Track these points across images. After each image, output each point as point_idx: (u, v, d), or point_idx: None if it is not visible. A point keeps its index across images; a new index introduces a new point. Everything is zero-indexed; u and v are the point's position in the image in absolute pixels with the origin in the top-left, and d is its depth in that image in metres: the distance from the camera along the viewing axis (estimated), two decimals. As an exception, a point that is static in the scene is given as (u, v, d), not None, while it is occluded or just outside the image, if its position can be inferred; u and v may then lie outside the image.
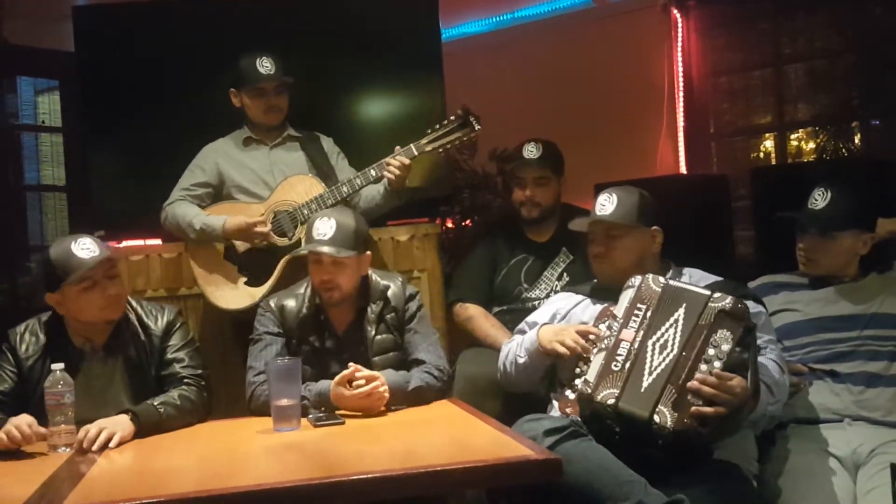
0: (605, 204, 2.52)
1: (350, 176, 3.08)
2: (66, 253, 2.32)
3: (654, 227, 2.54)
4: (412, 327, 2.59)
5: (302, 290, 2.62)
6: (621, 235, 2.50)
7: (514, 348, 2.54)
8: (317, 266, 2.53)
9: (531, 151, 3.14)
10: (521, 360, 2.50)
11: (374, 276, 2.63)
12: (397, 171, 2.97)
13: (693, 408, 2.04)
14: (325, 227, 2.51)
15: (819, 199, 2.57)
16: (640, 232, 2.52)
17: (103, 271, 2.36)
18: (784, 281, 2.69)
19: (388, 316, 2.58)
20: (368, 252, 2.62)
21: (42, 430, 2.14)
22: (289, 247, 3.03)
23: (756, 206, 3.80)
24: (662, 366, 2.12)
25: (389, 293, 2.60)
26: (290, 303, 2.59)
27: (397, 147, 3.02)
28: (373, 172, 3.01)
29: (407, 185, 3.10)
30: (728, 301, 2.14)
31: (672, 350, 2.13)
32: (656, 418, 2.05)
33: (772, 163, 4.54)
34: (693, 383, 2.06)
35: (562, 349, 2.34)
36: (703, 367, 2.08)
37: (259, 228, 2.98)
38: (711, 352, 2.09)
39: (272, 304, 2.60)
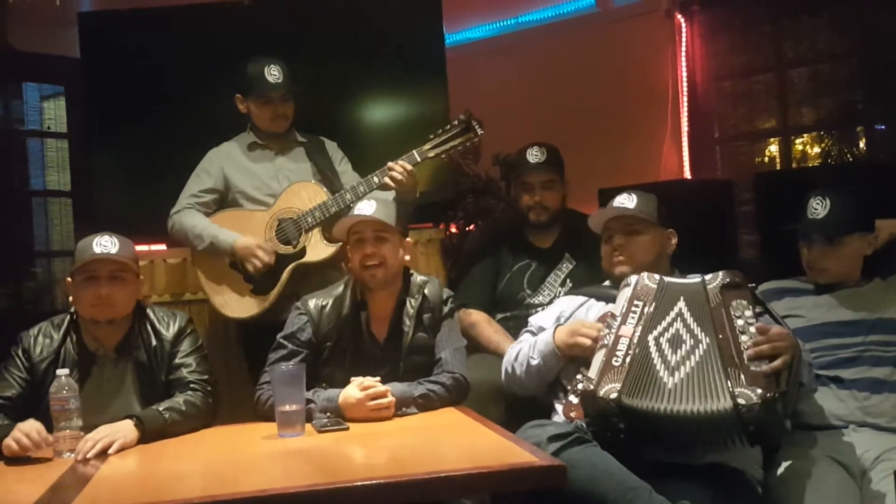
0: (625, 202, 2.54)
1: (353, 181, 3.08)
2: (87, 242, 2.39)
3: (670, 230, 2.58)
4: (444, 327, 2.59)
5: (340, 290, 2.61)
6: (640, 231, 2.53)
7: (526, 349, 2.54)
8: (359, 245, 2.52)
9: (536, 156, 3.15)
10: (533, 363, 2.49)
11: (414, 273, 2.65)
12: (398, 176, 2.93)
13: (764, 368, 2.07)
14: (366, 206, 2.54)
15: (819, 207, 2.56)
16: (657, 230, 2.55)
17: (109, 271, 2.38)
18: (788, 286, 2.68)
19: (426, 315, 2.58)
20: (409, 239, 2.64)
21: (50, 436, 2.14)
22: (294, 255, 3.03)
23: (760, 211, 3.80)
24: (694, 358, 2.13)
25: (427, 289, 2.60)
26: (329, 302, 2.58)
27: (402, 158, 3.01)
28: (376, 179, 3.00)
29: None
30: (720, 276, 2.24)
31: (700, 341, 2.16)
32: (741, 401, 2.05)
33: (776, 167, 4.53)
34: (751, 351, 2.10)
35: (584, 340, 2.35)
36: (744, 338, 2.13)
37: (261, 255, 2.96)
38: (740, 322, 2.15)
39: (311, 304, 2.57)
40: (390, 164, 2.97)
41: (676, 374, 2.13)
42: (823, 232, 2.55)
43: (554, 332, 2.47)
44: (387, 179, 2.95)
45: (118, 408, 2.38)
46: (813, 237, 2.57)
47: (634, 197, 2.55)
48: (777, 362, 2.08)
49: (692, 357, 2.14)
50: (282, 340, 2.55)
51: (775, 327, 2.14)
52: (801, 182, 3.54)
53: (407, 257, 2.61)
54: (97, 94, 3.81)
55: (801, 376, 2.22)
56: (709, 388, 2.10)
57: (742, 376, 2.08)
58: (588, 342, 2.33)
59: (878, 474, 2.24)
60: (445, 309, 2.61)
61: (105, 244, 2.38)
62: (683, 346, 2.16)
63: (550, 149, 3.18)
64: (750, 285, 2.23)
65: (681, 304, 2.22)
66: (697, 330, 2.17)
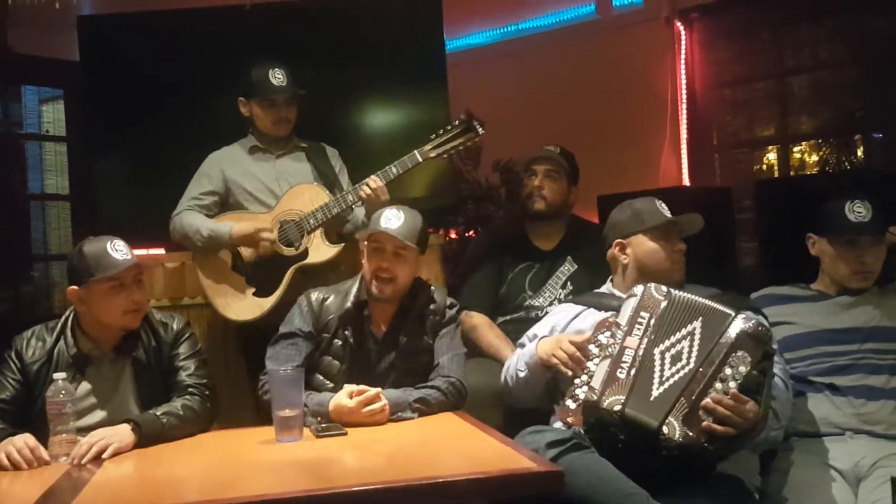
0: (668, 209, 2.55)
1: (353, 186, 3.09)
2: (100, 250, 2.36)
3: None
4: (445, 333, 2.59)
5: (348, 287, 2.63)
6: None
7: (515, 362, 2.55)
8: (377, 254, 2.53)
9: (549, 148, 3.20)
10: (521, 374, 2.51)
11: (420, 279, 2.66)
12: (369, 192, 2.98)
13: (704, 423, 2.05)
14: (394, 217, 2.53)
15: (863, 210, 2.53)
16: None
17: (133, 276, 2.39)
18: (786, 293, 2.68)
19: (429, 319, 2.59)
20: (422, 257, 2.64)
21: (44, 454, 2.11)
22: (296, 257, 3.03)
23: (759, 219, 3.81)
24: (676, 377, 2.12)
25: (435, 294, 2.62)
26: (333, 296, 2.60)
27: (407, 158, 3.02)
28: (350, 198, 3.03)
29: (411, 195, 3.10)
30: (752, 323, 2.14)
31: (688, 363, 2.13)
32: (665, 430, 2.05)
33: (775, 175, 4.54)
34: (709, 401, 2.06)
35: (555, 360, 2.34)
36: (719, 385, 2.09)
37: (265, 234, 2.98)
38: (728, 371, 2.10)
39: (313, 296, 2.60)
40: (368, 179, 3.00)
41: (662, 387, 2.12)
42: (876, 232, 2.52)
43: (538, 343, 2.47)
44: (360, 192, 2.99)
45: (114, 409, 2.37)
46: (866, 240, 2.54)
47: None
48: (718, 428, 2.05)
49: (677, 374, 2.12)
50: (283, 331, 2.57)
51: (751, 403, 2.07)
52: (799, 190, 3.55)
53: (417, 274, 2.63)
54: (96, 98, 3.81)
55: (756, 443, 2.22)
56: (658, 403, 2.09)
57: (685, 412, 2.06)
58: (564, 359, 2.32)
59: (875, 481, 2.24)
60: (449, 314, 2.62)
61: (122, 249, 2.38)
62: (678, 363, 2.14)
63: (566, 150, 3.23)
64: (770, 349, 2.16)
65: (697, 323, 2.18)
66: (695, 353, 2.14)
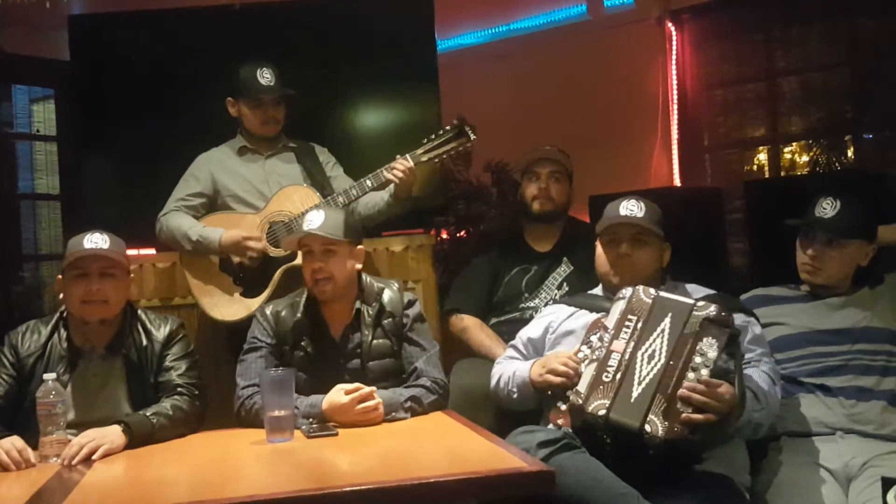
0: (634, 209, 2.53)
1: (346, 185, 3.08)
2: (76, 239, 2.40)
3: (666, 243, 2.57)
4: (412, 337, 2.57)
5: (298, 299, 2.62)
6: (648, 242, 2.52)
7: (506, 380, 2.54)
8: (308, 258, 2.54)
9: (547, 150, 3.20)
10: (514, 396, 2.51)
11: (369, 279, 2.64)
12: (401, 175, 2.96)
13: (683, 415, 2.05)
14: (314, 217, 2.54)
15: (828, 207, 2.56)
16: (661, 244, 2.55)
17: (99, 267, 2.38)
18: (776, 294, 2.69)
19: (385, 321, 2.57)
20: (362, 246, 2.62)
21: (31, 456, 2.11)
22: (285, 258, 3.03)
23: (749, 219, 3.82)
24: (651, 375, 2.13)
25: (385, 297, 2.60)
26: (287, 308, 2.60)
27: (398, 156, 3.02)
28: (369, 183, 3.01)
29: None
30: (712, 309, 2.17)
31: (660, 359, 2.15)
32: (647, 428, 2.06)
33: (765, 175, 4.55)
34: (683, 391, 2.07)
35: (554, 378, 2.33)
36: (691, 374, 2.10)
37: (252, 244, 2.97)
38: (698, 360, 2.12)
39: (268, 311, 2.60)
40: (392, 164, 2.99)
41: (640, 387, 2.12)
42: (829, 230, 2.54)
43: (531, 368, 2.46)
44: (389, 175, 2.97)
45: (105, 405, 2.38)
46: (816, 235, 2.57)
47: (642, 204, 2.53)
48: (698, 416, 2.05)
49: (651, 372, 2.14)
50: (247, 346, 2.57)
51: (724, 385, 2.08)
52: (789, 190, 3.56)
53: (358, 265, 2.60)
54: (86, 97, 3.80)
55: (740, 427, 2.21)
56: (637, 403, 2.10)
57: (664, 407, 2.07)
58: (557, 380, 2.31)
59: (865, 481, 2.24)
60: (411, 313, 2.59)
61: (96, 241, 2.39)
62: (652, 361, 2.15)
63: (562, 150, 3.24)
64: (734, 331, 2.18)
65: (667, 320, 2.20)
66: (665, 348, 2.16)
